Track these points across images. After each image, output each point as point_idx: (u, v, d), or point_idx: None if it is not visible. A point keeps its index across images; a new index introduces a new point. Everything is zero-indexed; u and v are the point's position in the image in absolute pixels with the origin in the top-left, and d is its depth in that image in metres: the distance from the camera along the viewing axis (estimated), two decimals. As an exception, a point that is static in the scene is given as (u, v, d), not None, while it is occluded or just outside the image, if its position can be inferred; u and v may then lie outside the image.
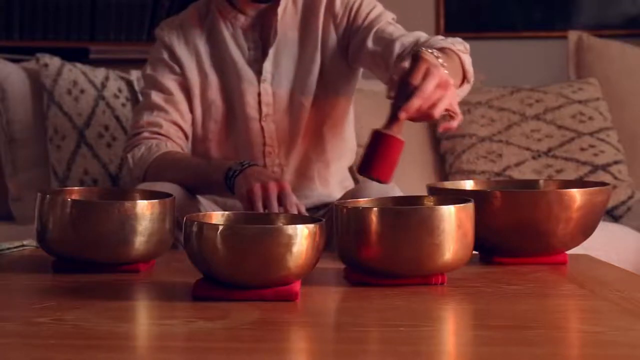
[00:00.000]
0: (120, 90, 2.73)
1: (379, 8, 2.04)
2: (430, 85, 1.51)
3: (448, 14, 3.61)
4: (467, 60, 1.82)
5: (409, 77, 1.52)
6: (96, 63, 2.93)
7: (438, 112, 1.54)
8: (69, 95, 2.63)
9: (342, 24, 2.03)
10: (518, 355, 1.00)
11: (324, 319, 1.23)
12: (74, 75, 2.66)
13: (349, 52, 2.04)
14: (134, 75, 2.75)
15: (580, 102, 2.94)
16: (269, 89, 2.02)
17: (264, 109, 2.03)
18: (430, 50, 1.62)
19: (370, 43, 1.97)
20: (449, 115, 1.61)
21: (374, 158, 1.53)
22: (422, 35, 1.92)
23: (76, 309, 1.20)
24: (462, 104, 2.93)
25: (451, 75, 1.68)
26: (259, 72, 2.03)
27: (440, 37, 1.91)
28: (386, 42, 1.94)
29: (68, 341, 1.06)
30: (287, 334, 1.13)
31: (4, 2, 3.37)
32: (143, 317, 1.25)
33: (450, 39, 1.85)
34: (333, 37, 2.04)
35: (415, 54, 1.55)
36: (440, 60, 1.60)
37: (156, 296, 1.35)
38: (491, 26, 3.63)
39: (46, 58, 2.67)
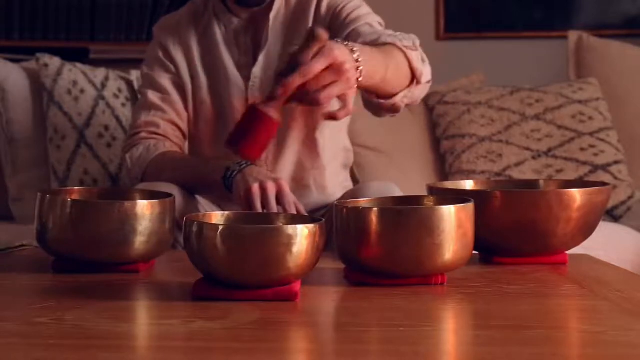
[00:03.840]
0: (120, 90, 2.73)
1: (364, 9, 1.95)
2: (317, 65, 1.39)
3: (448, 14, 3.61)
4: (415, 57, 1.70)
5: (298, 55, 1.40)
6: (96, 63, 2.93)
7: (325, 97, 1.41)
8: (69, 95, 2.63)
9: (325, 25, 1.96)
10: (518, 355, 1.00)
11: (324, 319, 1.23)
12: (74, 75, 2.67)
13: None
14: (134, 75, 2.76)
15: (580, 102, 2.94)
16: (257, 95, 1.98)
17: None
18: (346, 43, 1.49)
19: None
20: (341, 104, 1.49)
21: (245, 134, 1.44)
22: (383, 34, 1.79)
23: (76, 309, 1.20)
24: (462, 103, 2.97)
25: (392, 73, 1.59)
26: (247, 78, 1.99)
27: (390, 32, 1.79)
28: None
29: (68, 341, 1.06)
30: (287, 334, 1.13)
31: (4, 2, 3.37)
32: (143, 317, 1.25)
33: (401, 35, 1.74)
34: None
35: (311, 32, 1.42)
36: (356, 55, 1.47)
37: (156, 296, 1.35)
38: (491, 26, 3.63)
39: (46, 58, 2.67)
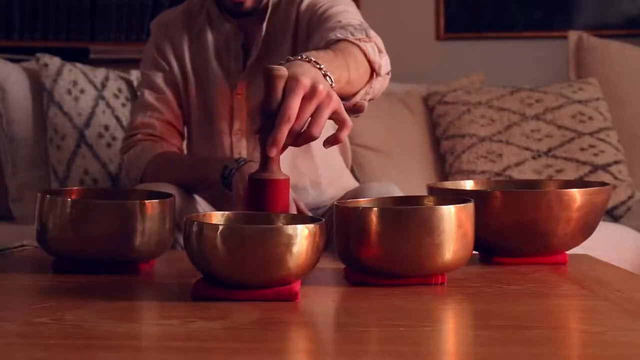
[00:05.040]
0: (120, 90, 2.73)
1: (339, 7, 1.85)
2: (294, 103, 1.28)
3: (448, 14, 3.61)
4: (371, 49, 1.59)
5: (266, 102, 1.30)
6: (96, 63, 2.93)
7: (318, 128, 1.31)
8: (69, 95, 2.63)
9: (304, 28, 1.92)
10: (518, 355, 1.00)
11: (324, 319, 1.23)
12: (74, 75, 2.67)
13: None
14: (134, 75, 2.76)
15: (580, 102, 2.95)
16: (242, 104, 1.97)
17: (236, 124, 1.98)
18: (303, 56, 1.39)
19: (310, 45, 1.81)
20: (338, 123, 1.38)
21: (265, 206, 1.37)
22: (342, 29, 1.67)
23: (76, 309, 1.20)
24: (462, 103, 2.97)
25: (354, 72, 1.51)
26: (234, 86, 1.98)
27: (355, 26, 1.67)
28: (319, 41, 1.73)
29: (68, 341, 1.06)
30: (287, 334, 1.13)
31: (4, 2, 3.37)
32: (143, 317, 1.25)
33: (353, 26, 1.65)
34: (303, 46, 1.92)
35: (266, 71, 1.32)
36: (324, 65, 1.38)
37: (156, 296, 1.35)
38: (491, 26, 3.63)
39: (46, 58, 2.68)
